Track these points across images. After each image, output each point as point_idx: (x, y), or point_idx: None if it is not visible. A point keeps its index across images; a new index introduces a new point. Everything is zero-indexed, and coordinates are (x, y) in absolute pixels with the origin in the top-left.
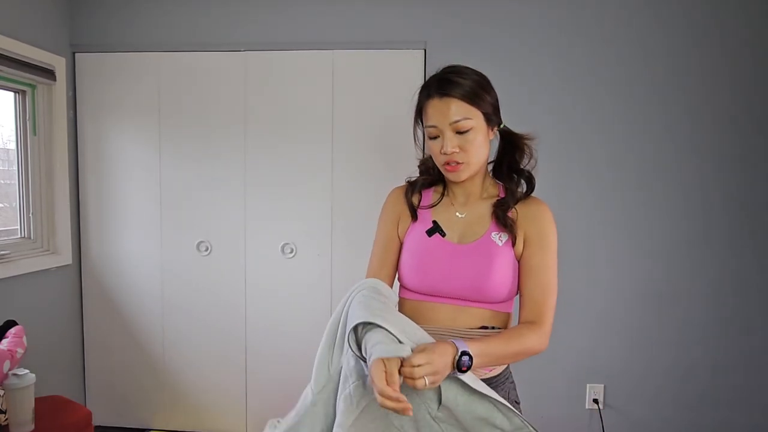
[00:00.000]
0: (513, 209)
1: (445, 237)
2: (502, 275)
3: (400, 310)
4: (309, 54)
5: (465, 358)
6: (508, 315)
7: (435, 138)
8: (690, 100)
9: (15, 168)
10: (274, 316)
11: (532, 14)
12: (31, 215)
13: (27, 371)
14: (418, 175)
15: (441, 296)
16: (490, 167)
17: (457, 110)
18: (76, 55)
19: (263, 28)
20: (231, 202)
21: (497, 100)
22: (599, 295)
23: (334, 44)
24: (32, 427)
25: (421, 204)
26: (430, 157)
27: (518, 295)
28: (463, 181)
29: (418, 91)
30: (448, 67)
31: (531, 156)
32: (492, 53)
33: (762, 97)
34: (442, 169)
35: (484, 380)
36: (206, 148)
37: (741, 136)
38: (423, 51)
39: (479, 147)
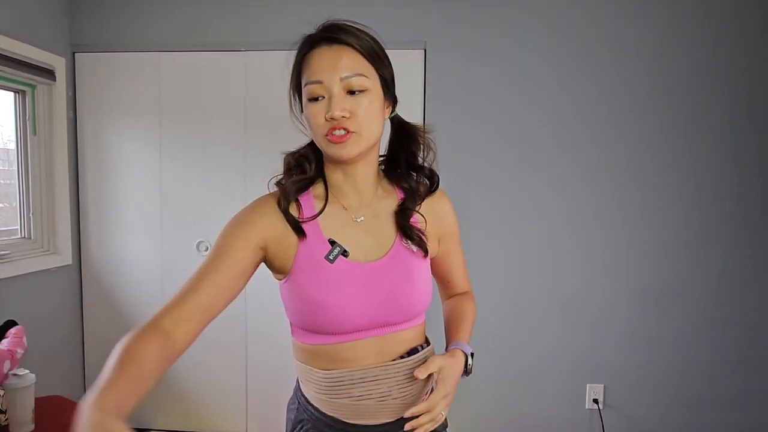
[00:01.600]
0: (418, 214)
1: (350, 257)
2: (424, 286)
3: (301, 358)
4: None
5: (472, 357)
6: (424, 323)
7: (316, 99)
8: (688, 101)
9: (15, 168)
10: (274, 315)
11: (532, 15)
12: (31, 215)
13: (27, 371)
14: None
15: (361, 330)
16: (382, 160)
17: (350, 63)
18: (76, 55)
19: (263, 28)
20: (231, 202)
21: (393, 75)
22: (599, 295)
23: None
24: (32, 427)
25: (301, 215)
26: (305, 147)
27: (440, 281)
28: (352, 173)
29: (297, 46)
30: (338, 19)
31: (430, 149)
32: (491, 53)
33: (760, 98)
34: (322, 143)
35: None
36: (206, 148)
37: (739, 136)
38: (423, 51)
39: (374, 117)
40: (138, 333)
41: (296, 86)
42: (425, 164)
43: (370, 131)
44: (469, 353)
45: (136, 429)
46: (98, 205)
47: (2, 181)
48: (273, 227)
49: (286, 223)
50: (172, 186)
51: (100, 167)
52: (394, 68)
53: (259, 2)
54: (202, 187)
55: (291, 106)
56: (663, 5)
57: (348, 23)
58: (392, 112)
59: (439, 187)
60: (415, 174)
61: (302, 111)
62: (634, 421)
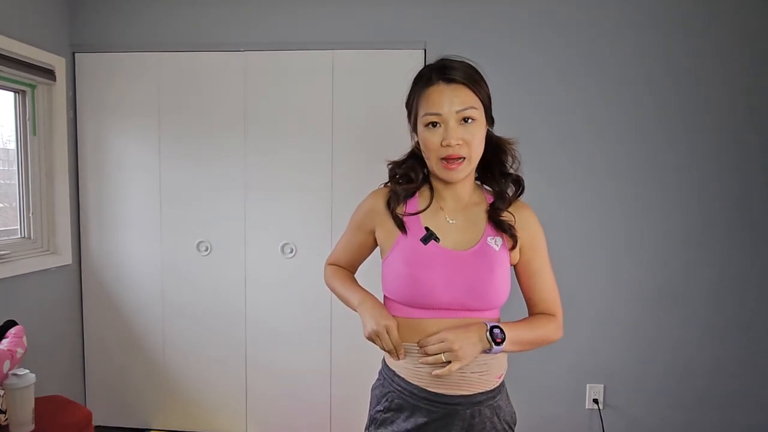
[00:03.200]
0: (509, 213)
1: (440, 243)
2: (501, 280)
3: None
4: (309, 54)
5: (496, 330)
6: (499, 321)
7: (435, 126)
8: (688, 101)
9: (15, 168)
10: (274, 315)
11: (532, 15)
12: (31, 215)
13: (27, 371)
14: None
15: (437, 308)
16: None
17: (465, 98)
18: (76, 55)
19: (263, 28)
20: (231, 202)
21: (490, 96)
22: (599, 295)
23: (334, 44)
24: (32, 427)
25: (406, 211)
26: (409, 157)
27: (525, 298)
28: (454, 185)
29: (413, 80)
30: (446, 57)
31: (515, 159)
32: (492, 53)
33: (760, 98)
34: (435, 166)
35: (494, 390)
36: (206, 148)
37: (739, 136)
38: (423, 51)
39: (480, 142)
40: (333, 269)
41: (413, 114)
42: (512, 172)
43: (477, 155)
44: (490, 325)
45: (136, 429)
46: (98, 205)
47: (2, 181)
48: (381, 219)
49: (394, 219)
50: (171, 186)
51: (100, 167)
52: (394, 68)
53: (259, 2)
54: (201, 187)
55: (410, 130)
56: (665, 5)
57: (457, 61)
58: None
59: (531, 209)
60: (503, 180)
61: (414, 130)
62: (634, 421)
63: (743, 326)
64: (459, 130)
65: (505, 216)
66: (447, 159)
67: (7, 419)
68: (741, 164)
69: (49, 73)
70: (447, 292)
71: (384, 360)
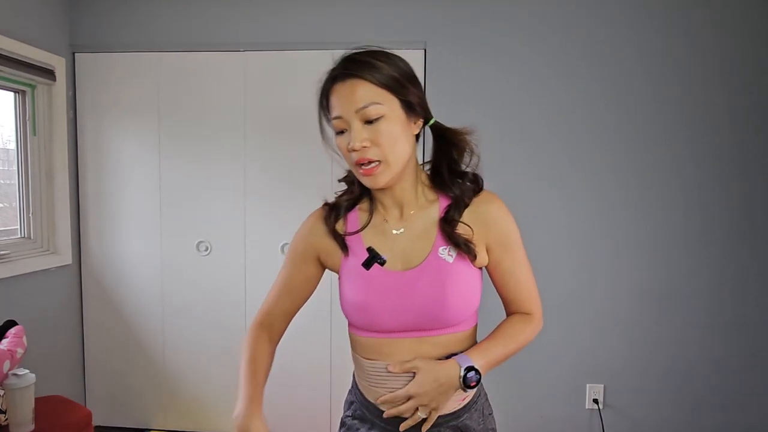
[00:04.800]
0: (470, 214)
1: (386, 265)
2: (459, 295)
3: (353, 347)
4: (309, 54)
5: (471, 375)
6: (475, 328)
7: (341, 133)
8: (689, 101)
9: (15, 168)
10: None
11: (532, 15)
12: (31, 215)
13: (27, 371)
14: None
15: (396, 332)
16: (427, 169)
17: (364, 94)
18: (76, 55)
19: (263, 28)
20: (231, 202)
21: (422, 91)
22: (599, 295)
23: (334, 44)
24: (32, 427)
25: (347, 230)
26: (349, 169)
27: (501, 298)
28: (390, 189)
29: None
30: (353, 48)
31: (472, 153)
32: (492, 53)
33: (761, 98)
34: (355, 172)
35: (456, 411)
36: (206, 148)
37: (740, 136)
38: (423, 51)
39: (396, 140)
40: (252, 338)
41: (324, 113)
42: (468, 169)
43: (395, 155)
44: (463, 367)
45: (136, 429)
46: (98, 205)
47: (2, 181)
48: (323, 242)
49: (336, 236)
50: (171, 186)
51: (99, 167)
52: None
53: (259, 2)
54: (201, 187)
55: (323, 136)
56: (666, 4)
57: (362, 53)
58: (425, 125)
59: (496, 195)
60: (460, 180)
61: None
62: (634, 421)
63: (744, 326)
64: (364, 131)
65: (462, 226)
66: (358, 164)
67: (7, 419)
68: (741, 164)
69: (49, 73)
70: (397, 318)
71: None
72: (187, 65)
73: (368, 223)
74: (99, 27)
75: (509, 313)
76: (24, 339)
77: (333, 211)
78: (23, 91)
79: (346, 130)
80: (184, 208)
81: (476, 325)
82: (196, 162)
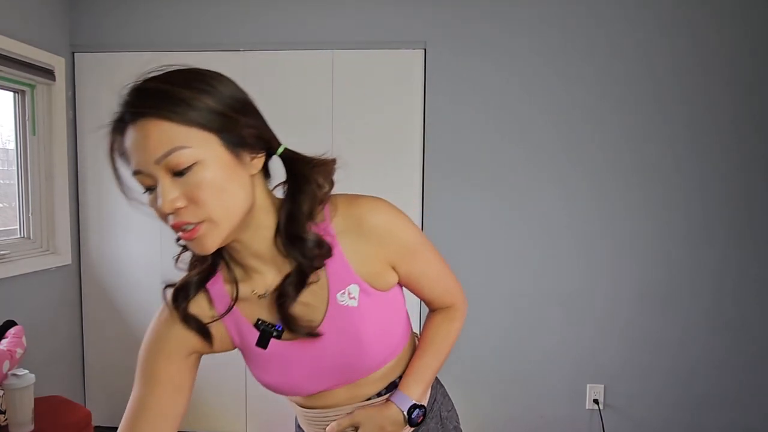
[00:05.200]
0: (341, 250)
1: (283, 337)
2: (378, 336)
3: (290, 401)
4: (308, 54)
5: (415, 414)
6: (411, 340)
7: (150, 190)
8: (690, 100)
9: (14, 168)
10: None
11: (532, 14)
12: (30, 215)
13: (26, 371)
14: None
15: (324, 391)
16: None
17: (162, 138)
18: (76, 54)
19: (263, 28)
20: None
21: (259, 117)
22: (600, 296)
23: (334, 44)
24: (32, 427)
25: (217, 311)
26: None
27: (420, 299)
28: (248, 248)
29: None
30: (143, 76)
31: (330, 186)
32: (492, 53)
33: (762, 98)
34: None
35: None
36: None
37: (741, 135)
38: (423, 51)
39: (221, 190)
40: None
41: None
42: (308, 235)
43: (223, 209)
44: (405, 410)
45: None
46: (98, 205)
47: (2, 181)
48: (189, 338)
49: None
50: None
51: (99, 167)
52: (394, 68)
53: (259, 2)
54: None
55: (121, 188)
56: (667, 3)
57: (158, 79)
58: (270, 156)
59: (379, 199)
60: (296, 246)
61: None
62: (634, 422)
63: (744, 326)
64: (173, 187)
65: (359, 257)
66: (176, 229)
67: (6, 419)
68: (743, 163)
69: (48, 73)
70: (320, 383)
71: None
72: (186, 65)
73: (237, 295)
74: (99, 27)
75: (430, 309)
76: (23, 339)
77: (182, 293)
78: (23, 91)
79: (154, 186)
80: None
81: (412, 336)
82: None
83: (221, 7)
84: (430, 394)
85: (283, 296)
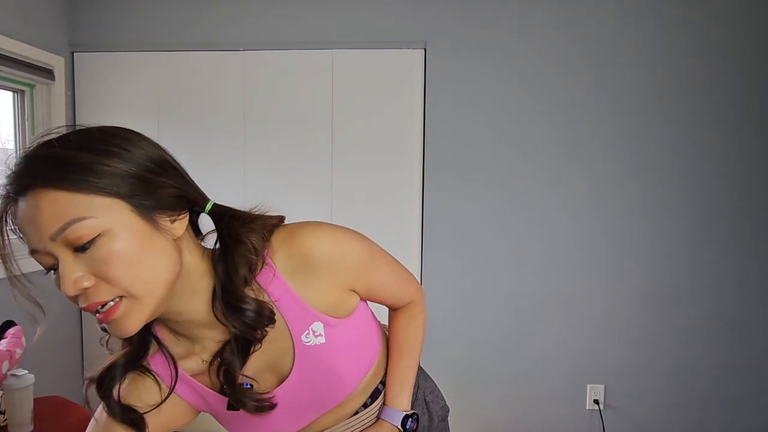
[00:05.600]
0: (293, 291)
1: (256, 388)
2: (353, 364)
3: None
4: (309, 53)
5: (409, 422)
6: (383, 348)
7: (52, 270)
8: (691, 101)
9: None
10: None
11: (533, 14)
12: None
13: (26, 372)
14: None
15: (309, 423)
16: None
17: (54, 210)
18: (75, 54)
19: (263, 28)
20: (230, 202)
21: (179, 174)
22: (600, 296)
23: (334, 44)
24: (31, 427)
25: (168, 380)
26: None
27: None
28: (184, 319)
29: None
30: (49, 131)
31: (264, 245)
32: (492, 53)
33: (762, 98)
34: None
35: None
36: (205, 148)
37: (741, 136)
38: (423, 51)
39: (137, 261)
40: None
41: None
42: (246, 304)
43: (141, 283)
44: (398, 424)
45: None
46: None
47: (1, 181)
48: (150, 417)
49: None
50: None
51: None
52: (394, 68)
53: (259, 2)
54: (200, 186)
55: (12, 283)
56: (668, 4)
57: (49, 144)
58: (196, 214)
59: (316, 224)
60: (233, 318)
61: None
62: (634, 422)
63: (745, 327)
64: (76, 264)
65: (298, 303)
66: (90, 311)
67: (6, 420)
68: (743, 164)
69: (48, 73)
70: (300, 421)
71: None
72: (186, 65)
73: (176, 372)
74: (98, 26)
75: (391, 309)
76: (23, 339)
77: (107, 380)
78: (22, 91)
79: (56, 265)
80: None
81: (383, 332)
82: (196, 161)
83: (221, 6)
84: (414, 394)
85: (228, 369)
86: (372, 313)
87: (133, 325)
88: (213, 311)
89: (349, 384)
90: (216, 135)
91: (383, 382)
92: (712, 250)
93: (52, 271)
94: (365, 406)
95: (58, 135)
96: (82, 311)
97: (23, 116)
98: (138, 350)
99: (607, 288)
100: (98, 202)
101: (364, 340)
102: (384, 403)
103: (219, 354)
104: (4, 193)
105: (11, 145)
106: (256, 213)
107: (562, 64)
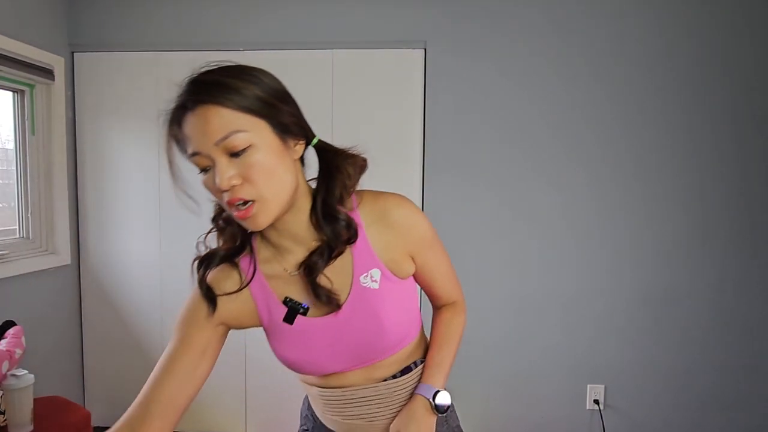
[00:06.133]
0: (366, 236)
1: (310, 312)
2: (396, 318)
3: (299, 377)
4: (309, 53)
5: (440, 403)
6: (422, 332)
7: (205, 170)
8: (690, 102)
9: (14, 168)
10: None
11: (532, 14)
12: (29, 215)
13: (26, 372)
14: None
15: (341, 371)
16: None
17: (221, 122)
18: (75, 54)
19: (263, 28)
20: None
21: (297, 108)
22: (600, 296)
23: (334, 44)
24: (31, 427)
25: (245, 278)
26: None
27: (426, 293)
28: (281, 226)
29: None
30: (201, 68)
31: (361, 172)
32: (492, 53)
33: (762, 97)
34: (231, 214)
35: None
36: None
37: (741, 136)
38: (423, 51)
39: (272, 171)
40: None
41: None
42: (340, 216)
43: (274, 189)
44: (430, 396)
45: None
46: (97, 205)
47: (1, 181)
48: (223, 305)
49: (239, 293)
50: (170, 185)
51: (98, 167)
52: (394, 68)
53: (259, 2)
54: (201, 187)
55: (173, 177)
56: (666, 4)
57: (213, 72)
58: (307, 146)
59: (402, 196)
60: (329, 223)
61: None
62: (634, 422)
63: (744, 327)
64: (230, 166)
65: (369, 243)
66: (231, 205)
67: (5, 420)
68: (742, 164)
69: (47, 73)
70: (338, 362)
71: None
72: (186, 65)
73: (255, 270)
74: (98, 26)
75: (435, 306)
76: (23, 339)
77: (205, 262)
78: (22, 91)
79: (210, 166)
80: (183, 207)
81: (422, 327)
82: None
83: (221, 7)
84: None
85: (311, 266)
86: (418, 304)
87: (264, 221)
88: (309, 226)
89: (387, 339)
90: None
91: (416, 363)
92: (712, 250)
93: (204, 173)
94: (394, 377)
95: (214, 67)
96: (82, 312)
97: (23, 116)
98: (236, 249)
99: (607, 288)
100: (250, 120)
101: (408, 310)
102: (420, 382)
103: (308, 257)
104: (177, 105)
105: (11, 145)
106: (350, 151)
107: (562, 64)
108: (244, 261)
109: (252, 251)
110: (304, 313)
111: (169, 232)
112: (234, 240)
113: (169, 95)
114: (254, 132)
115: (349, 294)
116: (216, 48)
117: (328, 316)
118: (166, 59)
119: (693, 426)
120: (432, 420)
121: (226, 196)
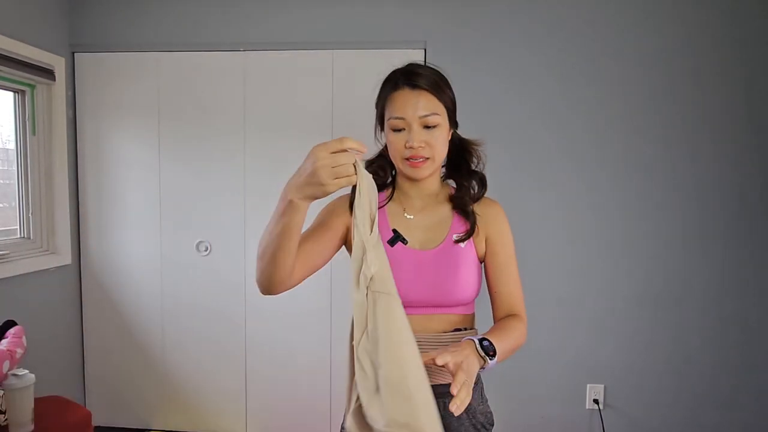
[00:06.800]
0: (476, 207)
1: (408, 245)
2: (468, 278)
3: None
4: (308, 54)
5: (485, 342)
6: (474, 315)
7: (399, 131)
8: (687, 101)
9: (14, 168)
10: (274, 315)
11: (532, 14)
12: (30, 215)
13: (26, 371)
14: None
15: (408, 306)
16: (443, 171)
17: (427, 104)
18: (76, 54)
19: (263, 28)
20: (230, 202)
21: (455, 102)
22: (599, 296)
23: (334, 44)
24: (32, 427)
25: (381, 201)
26: (380, 156)
27: (491, 293)
28: (419, 183)
29: (382, 83)
30: (413, 63)
31: (479, 160)
32: (491, 53)
33: (760, 97)
34: (401, 165)
35: (445, 385)
36: (206, 148)
37: (738, 136)
38: (423, 51)
39: (442, 145)
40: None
41: (380, 115)
42: (477, 170)
43: (440, 156)
44: (477, 340)
45: (135, 429)
46: (97, 205)
47: (1, 181)
48: (348, 217)
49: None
50: (171, 186)
51: (99, 167)
52: (392, 68)
53: (259, 2)
54: (201, 187)
55: (376, 130)
56: (663, 6)
57: (426, 68)
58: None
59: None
60: (469, 177)
61: (382, 130)
62: (634, 422)
63: (743, 326)
64: (422, 133)
65: (471, 209)
66: (410, 159)
67: (6, 420)
68: (740, 164)
69: (48, 73)
70: (413, 291)
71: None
72: (187, 65)
73: (386, 203)
74: (98, 27)
75: (500, 312)
76: (23, 339)
77: (367, 167)
78: (23, 91)
79: (404, 129)
80: (184, 207)
81: (475, 315)
82: (196, 161)
83: (222, 7)
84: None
85: (461, 199)
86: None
87: (426, 173)
88: (451, 176)
89: (455, 291)
90: (216, 135)
91: (465, 329)
92: (710, 249)
93: (397, 132)
94: (444, 332)
95: (427, 65)
96: (82, 311)
97: (23, 116)
98: (382, 178)
99: (606, 288)
100: (442, 109)
101: (475, 279)
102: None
103: (455, 193)
104: (398, 79)
105: (12, 145)
106: (474, 141)
107: (562, 65)
108: (381, 195)
109: (393, 189)
110: (405, 243)
111: (170, 231)
112: (381, 178)
113: (169, 95)
114: (442, 117)
115: (440, 243)
116: (216, 48)
117: (419, 251)
118: (166, 59)
119: (692, 425)
120: (477, 364)
121: (408, 152)
